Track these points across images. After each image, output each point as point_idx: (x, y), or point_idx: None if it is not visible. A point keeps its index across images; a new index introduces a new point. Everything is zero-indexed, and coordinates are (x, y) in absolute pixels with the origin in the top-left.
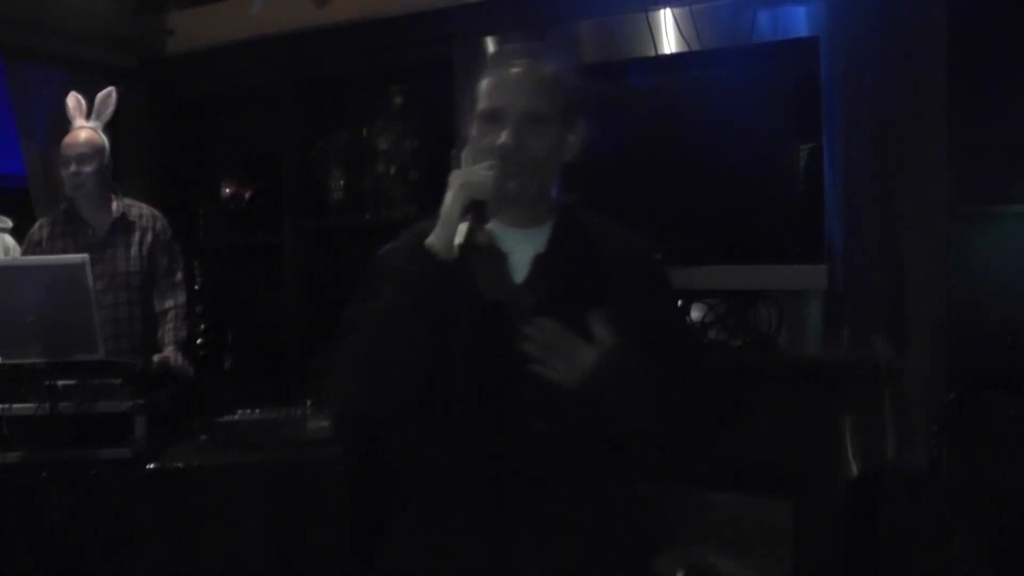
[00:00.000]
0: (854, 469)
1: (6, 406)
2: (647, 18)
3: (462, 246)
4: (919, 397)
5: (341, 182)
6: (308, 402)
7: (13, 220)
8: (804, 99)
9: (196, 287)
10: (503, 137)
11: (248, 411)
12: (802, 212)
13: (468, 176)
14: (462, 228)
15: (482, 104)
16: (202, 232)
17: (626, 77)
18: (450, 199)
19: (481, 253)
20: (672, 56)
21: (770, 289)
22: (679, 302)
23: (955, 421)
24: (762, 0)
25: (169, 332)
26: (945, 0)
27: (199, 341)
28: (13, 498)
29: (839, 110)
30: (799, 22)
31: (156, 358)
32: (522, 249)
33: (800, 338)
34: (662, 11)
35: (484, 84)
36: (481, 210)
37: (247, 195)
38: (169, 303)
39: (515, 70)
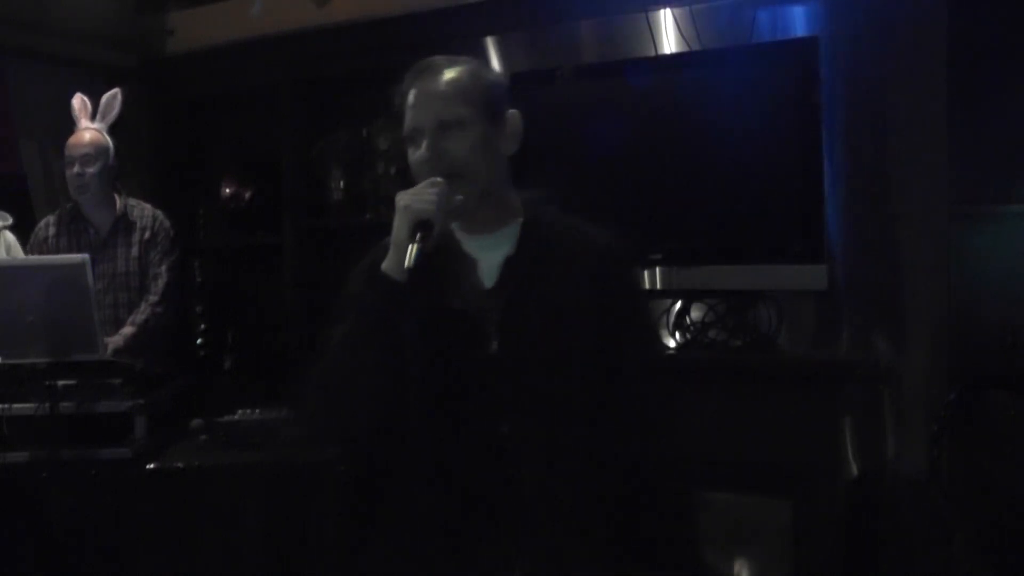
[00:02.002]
0: (854, 469)
1: (6, 406)
2: (647, 18)
3: (412, 269)
4: (919, 397)
5: (341, 182)
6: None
7: (14, 220)
8: (804, 99)
9: (196, 287)
10: (420, 152)
11: (248, 411)
12: (802, 212)
13: (411, 197)
14: (412, 250)
15: (405, 129)
16: (202, 232)
17: (626, 77)
18: (397, 223)
19: (448, 264)
20: (672, 56)
21: (770, 289)
22: (646, 300)
23: (955, 421)
24: (762, 0)
25: (133, 315)
26: (945, 0)
27: (199, 341)
28: (13, 498)
29: (839, 110)
30: (799, 22)
31: (108, 342)
32: (490, 254)
33: (800, 338)
34: (662, 11)
35: (404, 109)
36: (428, 229)
37: (247, 195)
38: (148, 295)
39: (422, 86)
